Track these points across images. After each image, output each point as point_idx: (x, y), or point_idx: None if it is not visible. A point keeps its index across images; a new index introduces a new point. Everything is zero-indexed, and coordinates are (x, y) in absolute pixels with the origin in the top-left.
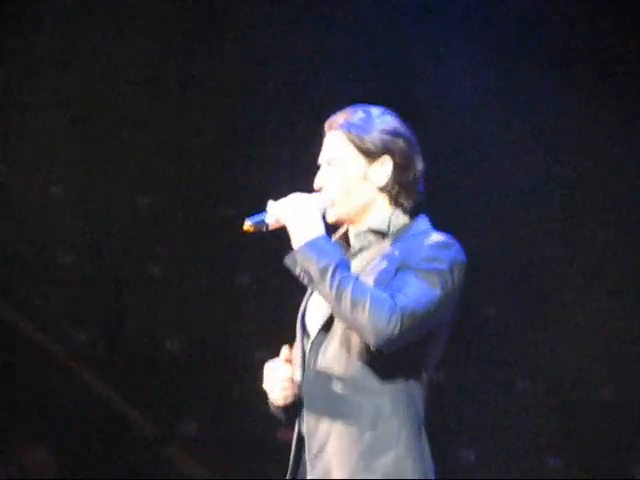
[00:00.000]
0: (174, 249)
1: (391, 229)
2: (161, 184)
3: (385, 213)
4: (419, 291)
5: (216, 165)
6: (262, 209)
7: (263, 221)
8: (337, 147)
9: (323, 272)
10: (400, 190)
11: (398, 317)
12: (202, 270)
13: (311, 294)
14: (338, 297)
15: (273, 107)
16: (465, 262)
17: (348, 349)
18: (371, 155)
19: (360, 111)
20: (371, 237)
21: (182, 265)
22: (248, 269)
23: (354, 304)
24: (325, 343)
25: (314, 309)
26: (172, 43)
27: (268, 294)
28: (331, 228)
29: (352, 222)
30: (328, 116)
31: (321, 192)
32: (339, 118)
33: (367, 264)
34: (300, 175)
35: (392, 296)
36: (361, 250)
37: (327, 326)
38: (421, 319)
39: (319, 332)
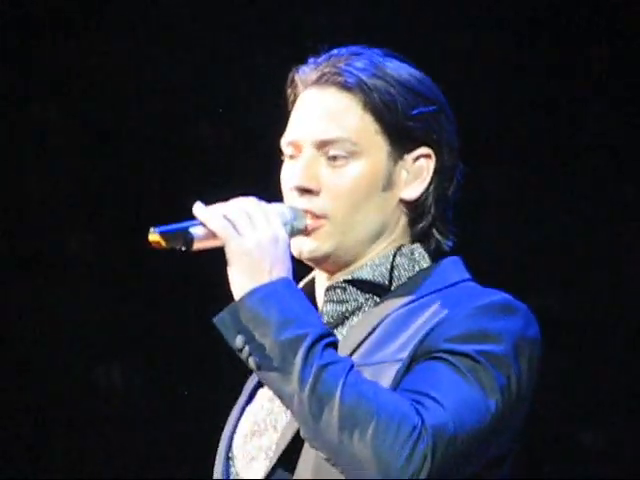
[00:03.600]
0: None
1: (396, 279)
2: None
3: (390, 248)
4: (462, 398)
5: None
6: (185, 217)
7: (186, 231)
8: (346, 118)
9: (289, 348)
10: (436, 212)
11: (427, 447)
12: None
13: (254, 391)
14: (315, 403)
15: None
16: (539, 337)
17: None
18: (403, 142)
19: (377, 56)
20: (360, 294)
21: None
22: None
23: (348, 420)
24: None
25: (259, 424)
26: None
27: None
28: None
29: (341, 264)
30: (300, 60)
31: (302, 199)
32: (342, 62)
33: (357, 347)
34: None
35: (417, 408)
36: (344, 318)
37: (288, 458)
38: (467, 448)
39: (273, 470)
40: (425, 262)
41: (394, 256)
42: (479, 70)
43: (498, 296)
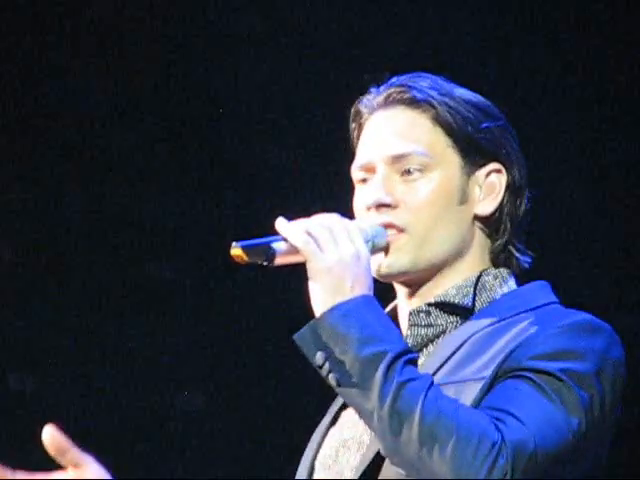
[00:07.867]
0: None
1: (479, 300)
2: None
3: (474, 269)
4: (544, 416)
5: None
6: (265, 233)
7: (268, 246)
8: (417, 132)
9: (369, 365)
10: (511, 229)
11: (507, 462)
12: None
13: (338, 412)
14: (395, 419)
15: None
16: (623, 358)
17: None
18: (474, 157)
19: (441, 81)
20: (444, 317)
21: None
22: None
23: (428, 436)
24: None
25: (343, 444)
26: None
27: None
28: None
29: (418, 282)
30: (365, 87)
31: (381, 215)
32: (414, 83)
33: (440, 366)
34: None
35: (496, 425)
36: (428, 342)
37: (369, 477)
38: (548, 467)
39: None
40: (510, 285)
41: (478, 278)
42: None
43: (582, 316)
